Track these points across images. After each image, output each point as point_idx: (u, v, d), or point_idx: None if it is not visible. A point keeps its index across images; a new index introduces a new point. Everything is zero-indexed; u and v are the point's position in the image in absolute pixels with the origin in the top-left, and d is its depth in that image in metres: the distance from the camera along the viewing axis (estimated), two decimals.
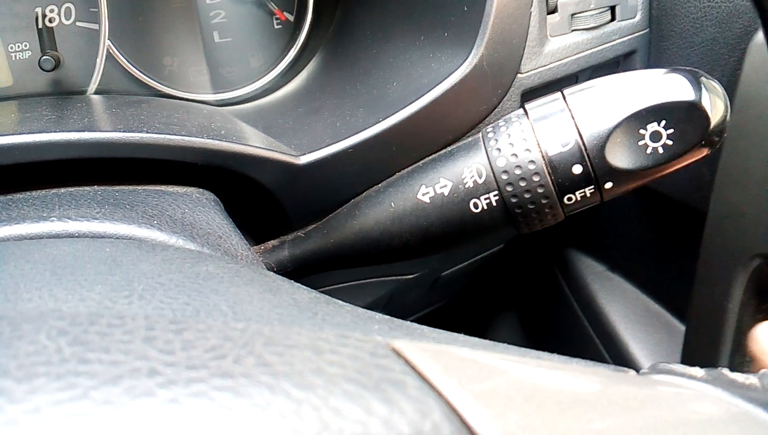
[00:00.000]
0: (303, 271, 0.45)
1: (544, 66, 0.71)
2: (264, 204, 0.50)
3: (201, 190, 0.44)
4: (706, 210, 0.77)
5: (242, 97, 0.67)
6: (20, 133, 0.39)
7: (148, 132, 0.42)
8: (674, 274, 0.97)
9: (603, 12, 0.76)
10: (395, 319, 0.29)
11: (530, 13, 0.52)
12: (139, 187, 0.42)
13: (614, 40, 0.79)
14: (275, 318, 0.23)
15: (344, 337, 0.20)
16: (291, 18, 0.68)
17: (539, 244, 1.20)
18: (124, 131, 0.41)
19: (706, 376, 0.26)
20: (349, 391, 0.17)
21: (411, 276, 0.81)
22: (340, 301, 0.30)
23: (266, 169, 0.46)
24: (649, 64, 0.86)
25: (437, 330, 0.30)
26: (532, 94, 0.71)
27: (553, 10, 0.71)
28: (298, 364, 0.18)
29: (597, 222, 1.08)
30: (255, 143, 0.47)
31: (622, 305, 1.05)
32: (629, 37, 0.81)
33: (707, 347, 0.79)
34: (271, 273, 0.32)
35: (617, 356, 1.02)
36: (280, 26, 0.68)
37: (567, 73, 0.74)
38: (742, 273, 0.72)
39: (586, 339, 1.10)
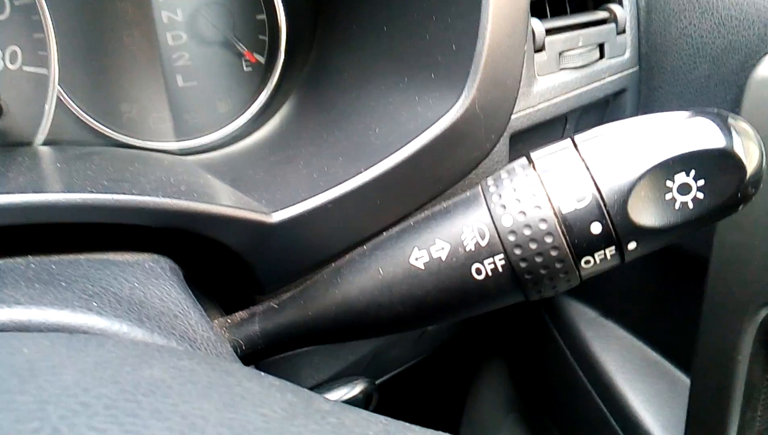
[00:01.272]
0: (276, 348, 0.38)
1: (533, 107, 0.67)
2: (232, 268, 0.44)
3: (156, 256, 0.38)
4: (706, 255, 0.72)
5: (208, 145, 0.61)
6: None
7: (92, 191, 0.36)
8: (673, 321, 0.92)
9: (591, 50, 0.73)
10: (394, 429, 0.23)
11: (524, 51, 0.47)
12: (82, 257, 0.36)
13: (603, 79, 0.75)
14: None
15: None
16: (262, 59, 0.63)
17: None
18: (62, 191, 0.35)
19: None
20: None
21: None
22: (323, 403, 0.24)
23: (233, 229, 0.40)
24: (640, 103, 0.82)
25: None
26: (520, 136, 0.67)
27: (540, 49, 0.67)
28: None
29: None
30: (221, 200, 0.41)
31: (618, 354, 0.99)
32: (619, 75, 0.78)
33: (716, 401, 0.74)
34: (237, 366, 0.26)
35: (616, 408, 0.96)
36: (249, 68, 0.63)
37: (556, 114, 0.69)
38: (751, 323, 0.68)
39: (581, 389, 1.04)
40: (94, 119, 0.57)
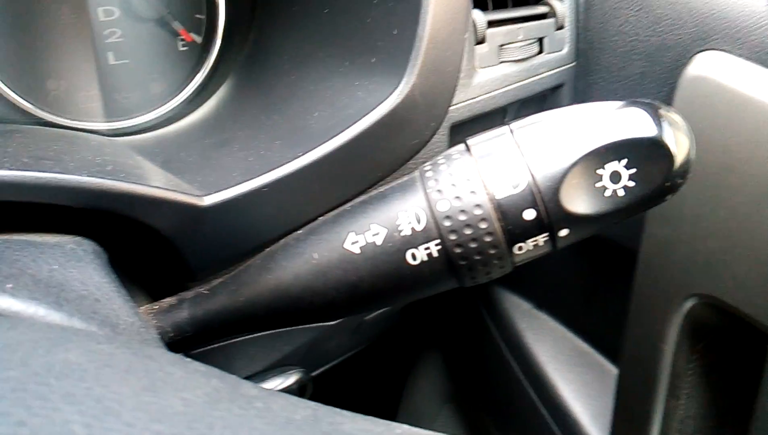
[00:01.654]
0: (206, 335, 0.37)
1: (473, 98, 0.67)
2: (162, 253, 0.42)
3: (78, 239, 0.36)
4: (635, 248, 0.75)
5: (140, 126, 0.59)
6: None
7: (11, 168, 0.34)
8: (603, 313, 0.94)
9: (531, 44, 0.74)
10: (323, 414, 0.22)
11: (465, 38, 0.47)
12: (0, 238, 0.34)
13: (542, 73, 0.77)
14: None
15: None
16: (198, 39, 0.61)
17: None
18: None
19: None
20: None
21: (333, 323, 0.74)
22: (250, 388, 0.23)
23: (163, 212, 0.38)
24: (576, 99, 0.84)
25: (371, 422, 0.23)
26: (460, 128, 0.67)
27: (481, 41, 0.67)
28: None
29: None
30: (150, 181, 0.39)
31: (550, 345, 1.01)
32: (557, 70, 0.79)
33: (642, 390, 0.76)
34: (161, 351, 0.25)
35: (546, 398, 0.98)
36: (185, 48, 0.61)
37: (496, 106, 0.70)
38: (676, 313, 0.70)
39: (514, 380, 1.06)
40: (18, 95, 0.54)
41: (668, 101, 0.69)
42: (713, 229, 0.65)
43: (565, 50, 0.79)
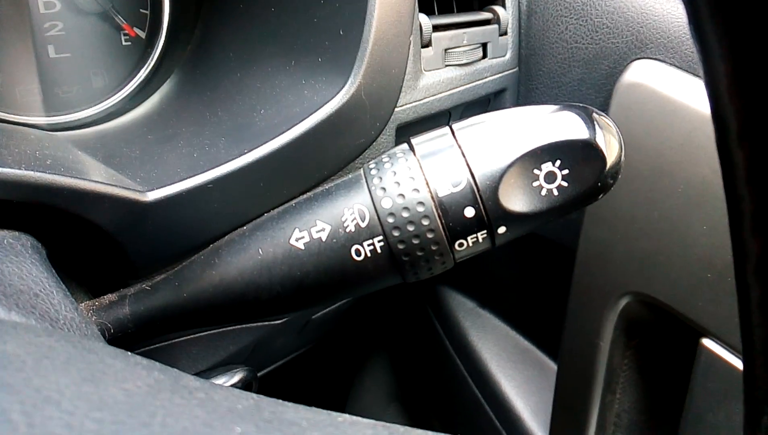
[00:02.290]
0: (148, 331, 0.37)
1: (419, 100, 0.68)
2: (102, 249, 0.42)
3: (16, 233, 0.35)
4: (573, 247, 0.77)
5: (81, 122, 0.57)
6: None
7: None
8: (543, 312, 0.97)
9: (475, 48, 0.75)
10: (265, 404, 0.23)
11: (410, 42, 0.48)
12: None
13: (486, 78, 0.78)
14: (91, 429, 0.16)
15: None
16: (142, 34, 0.60)
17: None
18: None
19: None
20: None
21: (279, 321, 0.74)
22: (191, 380, 0.23)
23: (104, 207, 0.38)
24: (519, 103, 0.86)
25: (321, 413, 0.24)
26: (406, 129, 0.68)
27: (427, 44, 0.69)
28: None
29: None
30: (91, 176, 0.39)
31: (493, 343, 1.04)
32: (500, 75, 0.81)
33: (579, 385, 0.79)
34: (101, 345, 0.25)
35: (490, 395, 1.00)
36: (129, 43, 0.60)
37: (440, 109, 0.71)
38: (612, 311, 0.73)
39: (459, 378, 1.08)
40: None
41: (605, 107, 0.72)
42: (647, 229, 0.68)
43: (508, 56, 0.81)
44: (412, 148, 0.35)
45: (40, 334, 0.24)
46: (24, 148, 0.42)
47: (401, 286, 1.08)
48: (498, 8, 0.78)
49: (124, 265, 0.43)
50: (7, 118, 0.55)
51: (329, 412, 0.24)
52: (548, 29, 0.78)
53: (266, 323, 0.75)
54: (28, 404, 0.17)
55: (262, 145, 0.44)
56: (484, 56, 0.77)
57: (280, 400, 0.24)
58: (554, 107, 0.35)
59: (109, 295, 0.38)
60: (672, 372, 0.77)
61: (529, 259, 0.98)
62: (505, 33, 0.80)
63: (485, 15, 0.78)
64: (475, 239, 0.34)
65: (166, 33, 0.60)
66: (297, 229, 0.34)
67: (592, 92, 0.75)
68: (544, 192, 0.34)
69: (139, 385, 0.21)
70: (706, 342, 0.63)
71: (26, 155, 0.39)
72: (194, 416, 0.19)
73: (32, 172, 0.34)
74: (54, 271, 0.34)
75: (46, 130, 0.56)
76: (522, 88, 0.84)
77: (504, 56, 0.81)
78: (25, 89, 0.57)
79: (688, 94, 0.63)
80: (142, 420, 0.18)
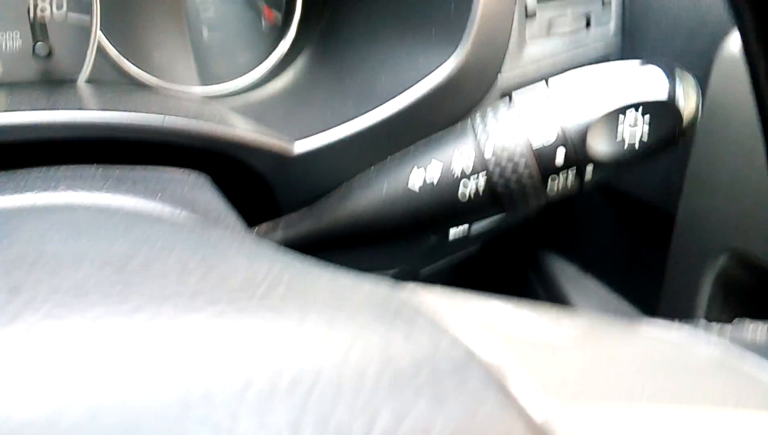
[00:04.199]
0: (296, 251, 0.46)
1: (523, 69, 0.74)
2: (255, 192, 0.51)
3: (197, 172, 0.45)
4: (674, 212, 0.80)
5: (230, 91, 0.68)
6: (13, 111, 0.40)
7: (145, 113, 0.43)
8: (643, 275, 1.00)
9: (578, 19, 0.80)
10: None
11: (514, 13, 0.54)
12: (137, 168, 0.43)
13: (588, 47, 0.82)
14: (292, 268, 0.24)
15: (359, 283, 0.22)
16: (279, 16, 0.70)
17: (513, 245, 1.23)
18: (122, 111, 0.42)
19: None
20: (373, 313, 0.18)
21: (391, 271, 0.82)
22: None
23: (260, 155, 0.47)
24: None
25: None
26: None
27: (531, 15, 0.74)
28: (323, 294, 0.19)
29: (569, 223, 1.11)
30: (249, 131, 0.48)
31: (594, 307, 1.07)
32: (603, 44, 0.84)
33: None
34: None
35: None
36: (268, 24, 0.70)
37: (543, 78, 0.77)
38: (710, 269, 0.76)
39: None
40: (131, 63, 0.64)
41: (706, 75, 0.74)
42: (748, 191, 0.70)
43: (612, 26, 0.84)
44: (512, 101, 0.41)
45: (237, 232, 0.33)
46: (195, 109, 0.52)
47: (503, 250, 1.14)
48: None
49: (271, 207, 0.52)
50: (170, 88, 0.67)
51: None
52: (651, 0, 0.81)
53: (380, 273, 0.84)
54: (248, 254, 0.26)
55: (383, 105, 0.52)
56: (587, 26, 0.81)
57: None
58: (639, 62, 0.40)
59: (265, 224, 0.48)
60: None
61: (629, 223, 1.01)
62: (609, 3, 0.83)
63: None
64: (565, 177, 0.40)
65: (300, 15, 0.69)
66: (415, 167, 0.42)
67: (694, 60, 0.77)
68: (626, 144, 0.39)
69: (310, 260, 0.29)
70: None
71: (199, 113, 0.49)
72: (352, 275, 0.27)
73: (210, 124, 0.44)
74: (227, 201, 0.44)
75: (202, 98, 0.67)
76: (624, 57, 0.87)
77: (607, 26, 0.84)
78: (184, 64, 0.68)
79: None
80: (326, 270, 0.26)
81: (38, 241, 0.22)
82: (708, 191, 0.75)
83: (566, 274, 1.12)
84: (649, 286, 0.96)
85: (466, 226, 0.47)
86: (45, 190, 0.34)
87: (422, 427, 0.15)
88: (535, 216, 0.64)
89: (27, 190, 0.33)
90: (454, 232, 0.47)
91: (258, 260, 0.24)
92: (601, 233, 1.05)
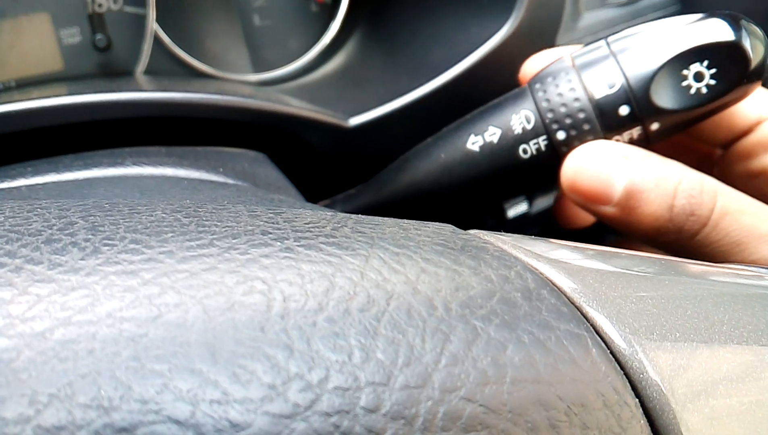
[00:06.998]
0: None
1: (578, 39, 0.72)
2: (312, 168, 0.52)
3: (255, 151, 0.46)
4: None
5: (283, 76, 0.69)
6: (72, 94, 0.41)
7: (205, 93, 0.44)
8: None
9: None
10: None
11: None
12: (198, 148, 0.44)
13: (646, 15, 0.80)
14: (355, 217, 0.24)
15: (423, 225, 0.22)
16: (329, 1, 0.70)
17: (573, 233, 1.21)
18: (181, 92, 0.43)
19: None
20: (438, 249, 0.18)
21: None
22: None
23: (316, 129, 0.47)
24: None
25: None
26: None
27: None
28: (388, 233, 0.19)
29: None
30: (303, 108, 0.49)
31: None
32: (661, 12, 0.82)
33: None
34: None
35: None
36: (317, 9, 0.70)
37: None
38: None
39: None
40: (186, 53, 0.66)
41: None
42: None
43: None
44: (571, 60, 0.40)
45: (296, 199, 0.33)
46: (251, 92, 0.53)
47: (565, 235, 1.12)
48: None
49: (327, 183, 0.53)
50: (225, 76, 0.68)
51: None
52: None
53: None
54: (311, 209, 0.26)
55: (436, 77, 0.51)
56: None
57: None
58: (702, 15, 0.39)
59: (324, 200, 0.48)
60: None
61: None
62: None
63: None
64: (630, 134, 0.39)
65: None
66: (472, 135, 0.41)
67: (759, 24, 0.74)
68: (693, 90, 0.38)
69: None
70: None
71: (256, 94, 0.50)
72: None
73: (267, 102, 0.45)
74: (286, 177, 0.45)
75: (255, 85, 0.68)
76: None
77: None
78: (236, 53, 0.69)
79: None
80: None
81: (111, 197, 0.23)
82: None
83: None
84: None
85: (526, 204, 0.46)
86: (112, 166, 0.35)
87: (493, 352, 0.15)
88: None
89: (95, 167, 0.34)
90: (514, 210, 0.46)
91: (321, 211, 0.24)
92: None
